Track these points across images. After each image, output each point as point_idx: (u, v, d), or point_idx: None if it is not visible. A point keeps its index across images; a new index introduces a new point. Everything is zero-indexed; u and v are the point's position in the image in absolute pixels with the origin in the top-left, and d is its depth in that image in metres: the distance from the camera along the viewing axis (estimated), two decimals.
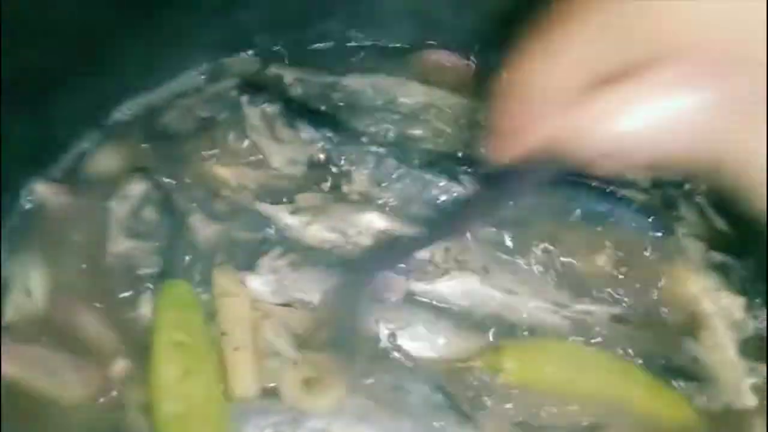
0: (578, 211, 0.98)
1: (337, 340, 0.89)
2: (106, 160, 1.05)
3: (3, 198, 0.98)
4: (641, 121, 0.60)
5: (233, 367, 0.86)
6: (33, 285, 0.94)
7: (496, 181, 0.79)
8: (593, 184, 1.00)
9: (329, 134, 1.00)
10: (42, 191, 1.00)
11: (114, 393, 0.86)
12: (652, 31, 0.59)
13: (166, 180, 1.01)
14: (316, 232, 0.95)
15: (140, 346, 0.88)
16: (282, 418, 0.82)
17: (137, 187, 0.99)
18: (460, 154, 1.02)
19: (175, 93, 1.10)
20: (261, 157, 1.01)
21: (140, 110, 1.09)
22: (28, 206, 1.00)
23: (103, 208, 0.99)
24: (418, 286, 0.92)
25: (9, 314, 0.92)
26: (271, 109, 1.00)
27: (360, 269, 0.92)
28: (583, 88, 0.62)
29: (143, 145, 1.05)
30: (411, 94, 1.07)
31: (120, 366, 0.87)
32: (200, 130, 1.06)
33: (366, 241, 0.94)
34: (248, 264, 0.93)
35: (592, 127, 0.62)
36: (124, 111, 1.09)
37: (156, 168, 1.02)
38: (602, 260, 0.96)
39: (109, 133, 1.07)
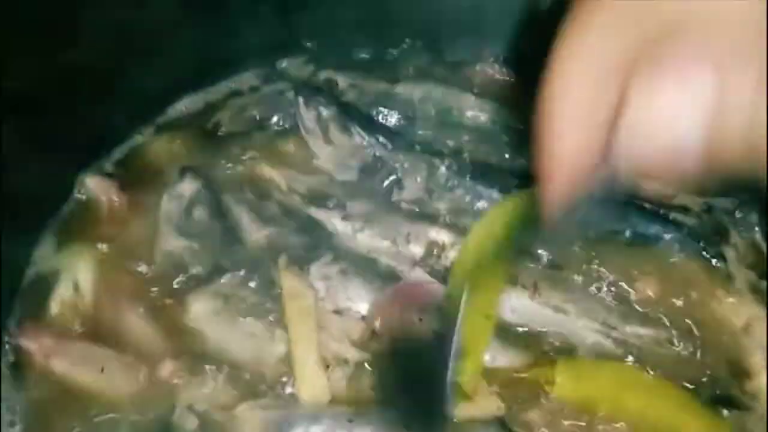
0: (628, 233, 0.98)
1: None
2: (158, 155, 1.06)
3: (55, 190, 1.00)
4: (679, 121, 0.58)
5: (303, 371, 0.86)
6: (81, 279, 0.94)
7: None
8: (644, 205, 0.99)
9: (383, 140, 1.00)
10: (94, 185, 1.01)
11: (161, 391, 0.86)
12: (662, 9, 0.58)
13: (217, 180, 1.02)
14: (367, 239, 0.95)
15: (188, 347, 0.89)
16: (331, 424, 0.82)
17: (189, 187, 1.00)
18: (510, 167, 1.02)
19: (230, 92, 1.12)
20: (313, 161, 1.02)
21: (194, 107, 1.11)
22: (79, 199, 1.01)
23: (154, 204, 1.00)
24: None
25: (55, 308, 0.93)
26: (326, 112, 1.00)
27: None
28: (614, 87, 0.60)
29: (195, 143, 1.06)
30: (464, 105, 1.07)
31: (168, 367, 0.87)
32: (253, 130, 1.07)
33: (416, 250, 0.94)
34: (298, 269, 0.93)
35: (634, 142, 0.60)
36: (179, 108, 1.11)
37: (207, 167, 1.03)
38: (651, 283, 0.95)
39: (163, 129, 1.09)
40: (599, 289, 0.94)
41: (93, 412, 0.85)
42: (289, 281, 0.91)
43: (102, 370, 0.87)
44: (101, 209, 1.00)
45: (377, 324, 0.89)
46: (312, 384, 0.85)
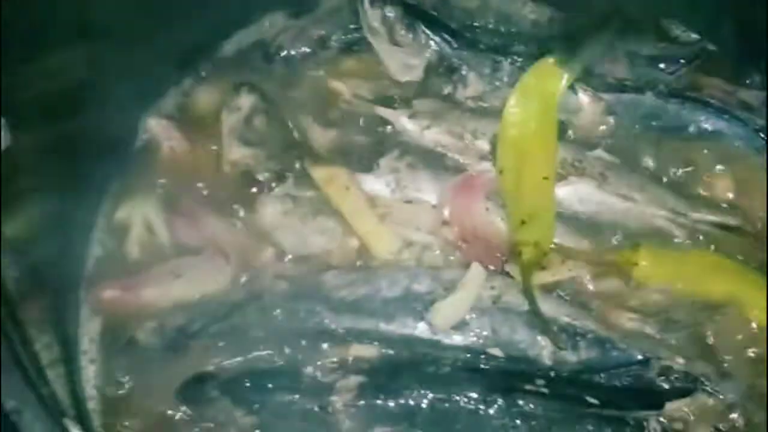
0: (692, 128, 0.98)
1: None
2: (216, 90, 1.06)
3: (118, 137, 1.00)
4: None
5: (368, 233, 0.90)
6: (153, 218, 0.96)
7: None
8: (709, 101, 0.99)
9: (447, 38, 1.01)
10: (154, 126, 1.02)
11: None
12: None
13: (278, 93, 1.03)
14: (434, 135, 0.96)
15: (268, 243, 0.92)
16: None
17: (245, 99, 1.01)
18: None
19: (287, 15, 1.11)
20: (377, 66, 1.03)
21: (252, 39, 1.10)
22: (142, 143, 1.02)
23: (215, 127, 1.00)
24: None
25: (135, 252, 0.94)
26: (391, 12, 1.01)
27: None
28: None
29: (256, 68, 1.07)
30: (522, 11, 1.07)
31: (267, 254, 0.91)
32: (314, 48, 1.07)
33: (483, 145, 0.95)
34: (366, 166, 0.94)
35: None
36: (235, 42, 1.10)
37: (266, 82, 1.04)
38: (718, 175, 0.95)
39: (220, 65, 1.08)
40: (667, 180, 0.95)
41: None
42: (318, 171, 0.94)
43: (190, 274, 0.90)
44: (163, 150, 1.01)
45: (446, 212, 0.91)
46: (382, 240, 0.89)
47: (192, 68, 1.07)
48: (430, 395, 0.79)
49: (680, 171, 0.96)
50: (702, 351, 0.85)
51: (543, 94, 0.94)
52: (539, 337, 0.83)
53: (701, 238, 0.91)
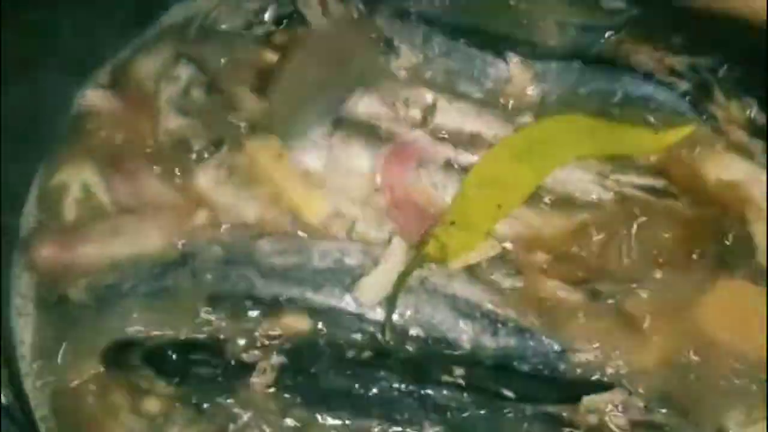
0: (619, 94, 1.00)
1: None
2: (153, 61, 1.06)
3: (54, 106, 1.00)
4: None
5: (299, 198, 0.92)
6: (90, 179, 0.97)
7: None
8: (635, 68, 1.01)
9: (380, 8, 1.02)
10: (91, 96, 1.02)
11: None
12: None
13: (214, 66, 1.03)
14: (366, 105, 0.97)
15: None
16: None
17: (184, 70, 1.02)
18: (502, 31, 1.03)
19: None
20: None
21: (189, 12, 1.09)
22: (76, 112, 1.02)
23: (153, 96, 1.01)
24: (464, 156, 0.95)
25: (71, 213, 0.95)
26: None
27: None
28: None
29: (191, 41, 1.07)
30: None
31: (202, 215, 0.92)
32: (249, 22, 1.07)
33: (415, 113, 0.97)
34: (300, 137, 0.95)
35: None
36: (173, 15, 1.09)
37: (203, 54, 1.04)
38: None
39: (158, 37, 1.08)
40: None
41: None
42: (251, 141, 0.96)
43: (135, 234, 0.92)
44: (101, 117, 1.01)
45: (378, 180, 0.93)
46: (312, 205, 0.92)
47: (130, 38, 1.07)
48: (347, 381, 0.82)
49: None
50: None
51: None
52: (461, 321, 0.86)
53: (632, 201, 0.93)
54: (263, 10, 1.07)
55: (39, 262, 0.91)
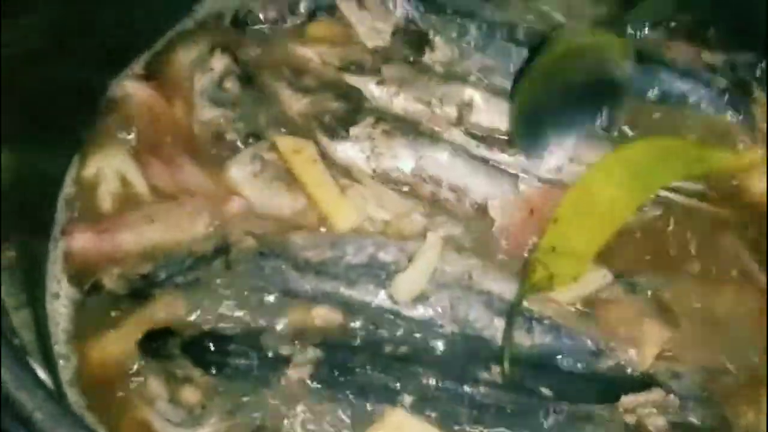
0: (656, 91, 0.99)
1: None
2: (189, 51, 1.06)
3: (89, 95, 1.00)
4: None
5: (330, 205, 0.92)
6: (126, 170, 0.97)
7: None
8: (673, 64, 1.00)
9: (415, 2, 1.01)
10: (127, 87, 1.02)
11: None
12: None
13: (250, 59, 1.04)
14: (402, 102, 0.97)
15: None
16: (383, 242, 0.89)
17: (218, 62, 1.02)
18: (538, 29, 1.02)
19: None
20: (345, 34, 1.03)
21: (224, 3, 1.09)
22: (112, 101, 1.02)
23: (188, 87, 1.01)
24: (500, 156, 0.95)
25: (107, 205, 0.95)
26: None
27: None
28: None
29: (226, 33, 1.07)
30: None
31: (236, 203, 0.93)
32: (284, 14, 1.07)
33: (450, 111, 0.96)
34: (340, 133, 0.95)
35: None
36: (208, 6, 1.09)
37: (238, 46, 1.04)
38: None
39: (193, 27, 1.08)
40: None
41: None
42: (284, 141, 0.96)
43: (168, 221, 0.92)
44: (136, 108, 1.01)
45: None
46: (342, 211, 0.91)
47: (166, 28, 1.07)
48: (384, 376, 0.82)
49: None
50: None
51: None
52: (496, 319, 0.85)
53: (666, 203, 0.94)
54: (298, 2, 1.07)
55: (74, 251, 0.91)
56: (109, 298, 0.88)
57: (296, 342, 0.84)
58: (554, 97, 0.95)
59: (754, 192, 0.95)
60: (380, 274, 0.87)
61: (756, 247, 0.91)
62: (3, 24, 0.80)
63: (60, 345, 0.87)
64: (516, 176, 0.94)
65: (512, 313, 0.85)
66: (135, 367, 0.85)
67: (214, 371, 0.83)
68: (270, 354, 0.83)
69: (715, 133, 0.98)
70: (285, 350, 0.84)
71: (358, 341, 0.85)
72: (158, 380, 0.84)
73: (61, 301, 0.90)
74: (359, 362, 0.83)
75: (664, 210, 0.93)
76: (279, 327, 0.86)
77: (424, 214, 0.92)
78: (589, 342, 0.86)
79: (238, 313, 0.86)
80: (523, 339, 0.86)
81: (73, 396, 0.84)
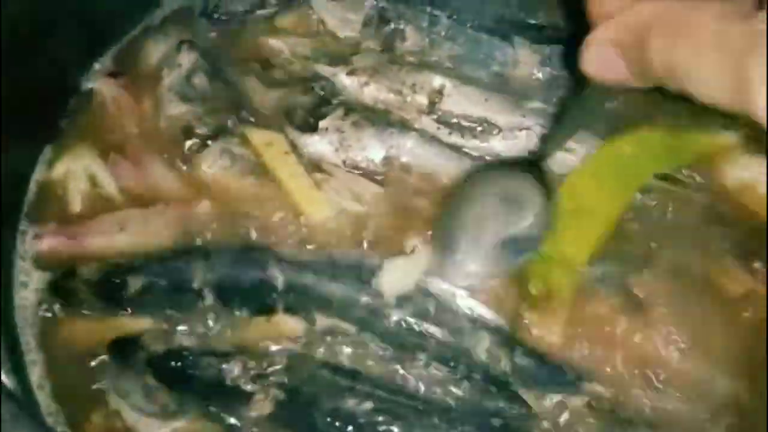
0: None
1: None
2: (157, 46, 1.04)
3: (56, 92, 0.99)
4: None
5: (303, 197, 0.91)
6: (96, 170, 0.95)
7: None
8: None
9: None
10: (96, 81, 1.01)
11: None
12: None
13: (218, 54, 1.02)
14: (374, 92, 0.96)
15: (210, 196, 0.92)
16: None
17: (186, 57, 1.00)
18: (511, 17, 1.02)
19: None
20: (315, 25, 1.03)
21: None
22: (79, 98, 1.00)
23: (155, 81, 1.00)
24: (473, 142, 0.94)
25: (77, 205, 0.94)
26: None
27: None
28: None
29: (196, 26, 1.05)
30: None
31: (205, 205, 0.91)
32: (253, 6, 1.06)
33: (422, 99, 0.96)
34: (310, 126, 0.94)
35: None
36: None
37: (206, 40, 1.03)
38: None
39: (161, 21, 1.07)
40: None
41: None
42: (255, 134, 0.95)
43: (141, 226, 0.90)
44: (104, 104, 1.00)
45: None
46: (316, 204, 0.90)
47: (134, 23, 1.06)
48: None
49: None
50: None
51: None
52: (481, 330, 0.84)
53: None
54: None
55: (45, 251, 0.90)
56: (82, 298, 0.87)
57: (258, 380, 0.82)
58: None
59: (731, 178, 0.94)
60: (364, 273, 0.86)
61: (741, 247, 0.89)
62: None
63: (28, 339, 0.86)
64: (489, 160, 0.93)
65: (514, 330, 0.84)
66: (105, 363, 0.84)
67: (175, 395, 0.82)
68: (232, 389, 0.82)
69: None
70: (248, 386, 0.82)
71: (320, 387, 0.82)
72: (129, 381, 0.83)
73: (29, 290, 0.89)
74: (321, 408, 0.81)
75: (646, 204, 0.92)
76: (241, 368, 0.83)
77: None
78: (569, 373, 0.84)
79: (209, 322, 0.86)
80: (503, 358, 0.84)
81: (40, 391, 0.84)
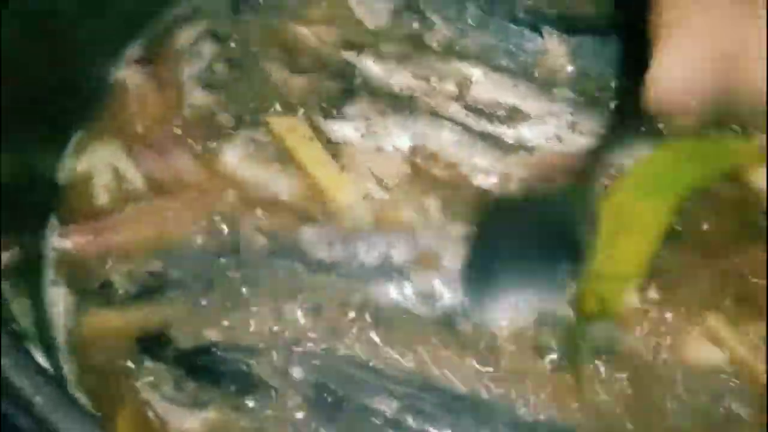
0: None
1: None
2: (183, 34, 1.03)
3: (82, 83, 0.97)
4: None
5: (329, 182, 0.89)
6: (122, 162, 0.94)
7: None
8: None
9: None
10: (122, 71, 1.00)
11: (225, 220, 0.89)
12: None
13: (242, 40, 1.01)
14: (401, 79, 0.95)
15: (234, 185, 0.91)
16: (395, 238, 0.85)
17: (208, 46, 1.00)
18: (547, 11, 1.01)
19: None
20: (344, 14, 1.01)
21: None
22: (105, 90, 0.99)
23: (178, 70, 0.99)
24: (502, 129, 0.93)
25: (104, 197, 0.92)
26: None
27: None
28: None
29: (223, 17, 1.04)
30: None
31: (231, 195, 0.90)
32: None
33: (450, 87, 0.94)
34: (336, 112, 0.93)
35: None
36: None
37: (232, 29, 1.02)
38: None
39: (187, 11, 1.05)
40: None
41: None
42: (278, 121, 0.94)
43: (164, 218, 0.89)
44: (130, 95, 0.99)
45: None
46: (341, 189, 0.89)
47: (162, 13, 1.05)
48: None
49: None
50: None
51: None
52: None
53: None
54: None
55: (72, 248, 0.89)
56: (116, 296, 0.86)
57: (289, 374, 0.81)
58: None
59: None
60: (393, 273, 0.84)
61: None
62: None
63: (59, 330, 0.85)
64: (518, 147, 0.92)
65: (571, 349, 0.81)
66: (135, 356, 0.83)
67: (206, 383, 0.81)
68: (261, 391, 0.80)
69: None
70: (276, 382, 0.81)
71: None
72: (159, 372, 0.82)
73: (60, 288, 0.87)
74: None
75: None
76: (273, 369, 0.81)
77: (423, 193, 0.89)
78: None
79: (245, 325, 0.83)
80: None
81: (72, 380, 0.82)
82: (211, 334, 0.83)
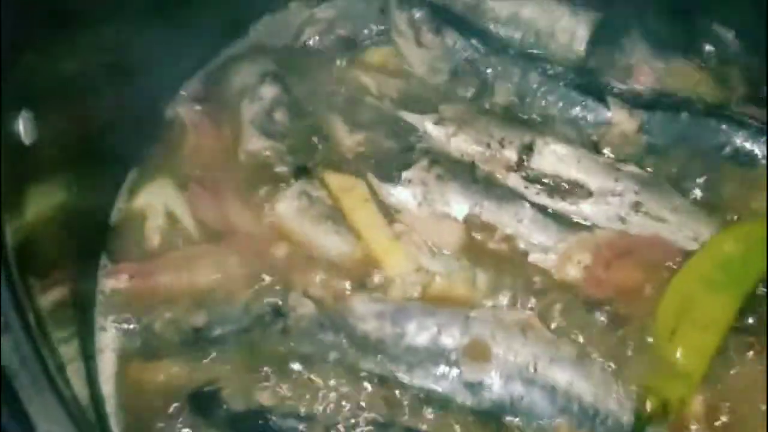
0: (728, 149, 0.94)
1: None
2: (241, 76, 1.03)
3: (141, 123, 0.97)
4: None
5: (380, 247, 0.87)
6: (174, 206, 0.94)
7: None
8: (749, 121, 0.94)
9: (475, 43, 0.98)
10: (179, 110, 1.00)
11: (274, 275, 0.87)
12: None
13: (302, 86, 1.00)
14: (461, 143, 0.93)
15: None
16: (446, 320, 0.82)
17: (269, 90, 0.99)
18: (609, 79, 0.98)
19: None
20: (404, 66, 1.00)
21: (278, 28, 1.08)
22: (165, 127, 0.99)
23: (236, 111, 0.99)
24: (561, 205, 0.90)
25: (155, 240, 0.92)
26: (419, 13, 0.98)
27: None
28: None
29: (281, 58, 1.04)
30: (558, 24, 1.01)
31: (283, 248, 0.88)
32: (340, 43, 1.04)
33: (510, 155, 0.92)
34: (393, 174, 0.91)
35: None
36: (262, 27, 1.07)
37: (291, 74, 1.01)
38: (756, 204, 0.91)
39: (246, 49, 1.06)
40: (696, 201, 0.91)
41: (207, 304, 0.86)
42: (334, 179, 0.92)
43: (216, 265, 0.88)
44: (187, 133, 0.99)
45: None
46: (394, 257, 0.87)
47: (219, 51, 1.05)
48: None
49: (711, 193, 0.91)
50: None
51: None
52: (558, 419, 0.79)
53: None
54: (356, 33, 1.05)
55: (120, 289, 0.89)
56: (158, 341, 0.86)
57: None
58: None
59: None
60: (440, 360, 0.80)
61: None
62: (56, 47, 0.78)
63: (107, 380, 0.84)
64: (578, 225, 0.89)
65: None
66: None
67: None
68: None
69: None
70: None
71: None
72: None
73: (108, 332, 0.87)
74: None
75: None
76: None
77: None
78: None
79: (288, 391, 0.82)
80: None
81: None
82: (262, 398, 0.81)
